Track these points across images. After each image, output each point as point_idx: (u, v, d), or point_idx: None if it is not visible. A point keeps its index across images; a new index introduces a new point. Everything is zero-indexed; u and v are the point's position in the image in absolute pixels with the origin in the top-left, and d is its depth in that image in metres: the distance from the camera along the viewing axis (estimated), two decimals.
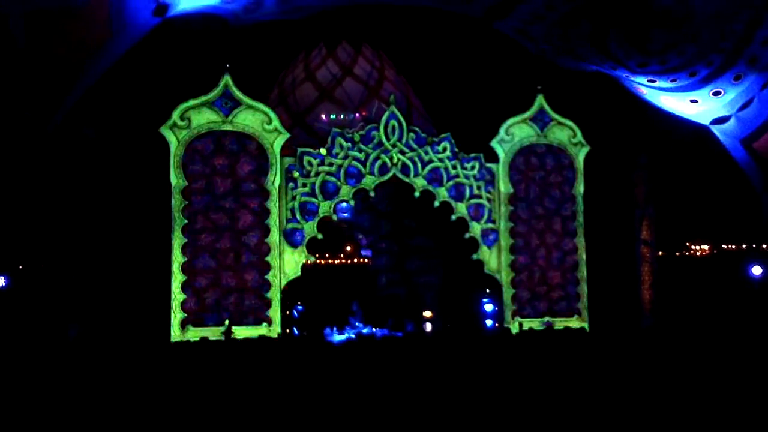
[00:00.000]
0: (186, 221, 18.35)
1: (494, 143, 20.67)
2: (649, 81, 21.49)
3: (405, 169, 19.92)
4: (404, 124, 20.03)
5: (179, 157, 18.44)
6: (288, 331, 19.91)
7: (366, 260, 24.97)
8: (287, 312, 20.21)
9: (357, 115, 22.60)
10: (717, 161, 23.11)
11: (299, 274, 19.06)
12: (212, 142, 18.69)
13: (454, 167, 20.24)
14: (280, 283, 18.83)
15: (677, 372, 13.44)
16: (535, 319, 20.27)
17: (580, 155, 21.12)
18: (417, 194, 20.00)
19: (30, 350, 15.88)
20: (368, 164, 19.72)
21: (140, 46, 19.42)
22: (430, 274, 22.83)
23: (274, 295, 18.73)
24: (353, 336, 19.55)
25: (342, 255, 25.16)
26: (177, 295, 18.17)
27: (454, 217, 20.24)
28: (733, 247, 24.88)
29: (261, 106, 19.19)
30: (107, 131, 18.97)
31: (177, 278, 18.23)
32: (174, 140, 18.45)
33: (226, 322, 18.12)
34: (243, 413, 10.88)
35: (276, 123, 19.07)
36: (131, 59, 19.47)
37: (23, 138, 18.05)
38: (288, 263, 18.98)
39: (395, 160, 19.84)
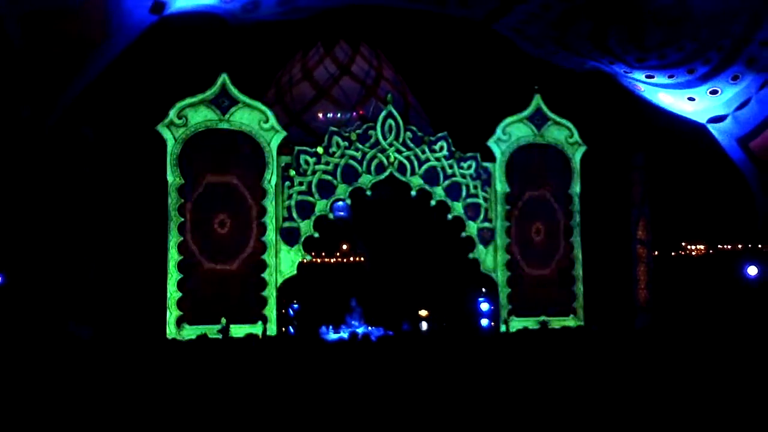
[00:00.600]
0: (182, 219, 18.39)
1: (491, 143, 20.69)
2: (647, 77, 21.54)
3: (401, 168, 19.96)
4: (401, 123, 20.06)
5: (176, 155, 18.47)
6: (284, 329, 19.96)
7: (362, 258, 25.02)
8: (283, 310, 20.25)
9: (354, 114, 22.66)
10: (713, 161, 23.17)
11: (295, 272, 19.12)
12: (209, 140, 18.71)
13: (451, 166, 20.28)
14: (276, 281, 18.88)
15: (673, 371, 13.48)
16: (530, 318, 20.32)
17: (577, 155, 21.15)
18: (413, 193, 20.05)
19: (26, 348, 15.89)
20: (365, 163, 19.76)
21: (137, 44, 19.45)
22: (423, 273, 22.85)
23: (270, 293, 18.78)
24: (348, 335, 19.58)
25: (338, 253, 25.19)
26: (173, 293, 18.22)
27: (450, 217, 20.28)
28: (729, 247, 24.89)
29: (258, 104, 19.21)
30: (104, 129, 18.96)
31: (173, 276, 18.27)
32: (171, 138, 18.48)
33: (223, 320, 18.16)
34: (236, 411, 10.91)
35: (273, 121, 19.09)
36: (128, 57, 19.50)
37: (20, 136, 18.08)
38: (284, 262, 19.03)
39: (392, 159, 19.88)
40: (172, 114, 18.53)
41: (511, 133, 20.84)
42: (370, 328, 20.75)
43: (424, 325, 21.58)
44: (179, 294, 18.23)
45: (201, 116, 18.71)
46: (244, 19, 20.44)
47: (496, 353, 16.30)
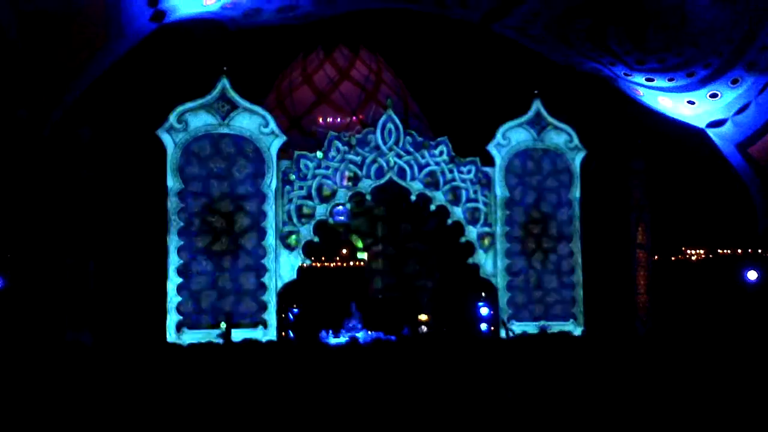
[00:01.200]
0: (182, 224, 18.40)
1: (491, 147, 20.67)
2: (647, 80, 21.54)
3: (401, 173, 19.95)
4: (401, 127, 20.06)
5: (176, 160, 18.48)
6: (284, 334, 19.95)
7: (362, 263, 25.02)
8: (283, 315, 20.25)
9: (354, 118, 22.68)
10: (713, 166, 23.18)
11: (295, 277, 19.12)
12: (209, 144, 18.73)
13: (451, 171, 20.27)
14: (276, 285, 18.88)
15: (672, 376, 13.48)
16: (530, 323, 20.30)
17: (577, 159, 21.13)
18: (413, 198, 20.05)
19: (26, 351, 15.90)
20: (365, 167, 19.77)
21: (138, 48, 19.48)
22: (426, 277, 22.86)
23: (270, 298, 18.79)
24: (348, 340, 19.58)
25: (338, 258, 25.20)
26: (173, 298, 18.23)
27: (450, 221, 20.28)
28: (729, 251, 24.91)
29: (258, 109, 19.23)
30: (104, 133, 18.97)
31: (173, 280, 18.27)
32: (171, 143, 18.48)
33: (223, 325, 18.15)
34: (237, 415, 10.91)
35: (273, 126, 19.11)
36: (128, 61, 19.53)
37: (19, 139, 18.08)
38: (284, 266, 19.03)
39: (392, 164, 19.88)
40: (172, 118, 18.54)
41: (511, 137, 20.82)
42: (369, 332, 20.73)
43: (424, 330, 21.57)
44: (179, 298, 18.23)
45: (201, 121, 18.72)
46: (244, 24, 20.49)
47: (495, 357, 16.31)
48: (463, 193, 20.34)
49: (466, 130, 21.28)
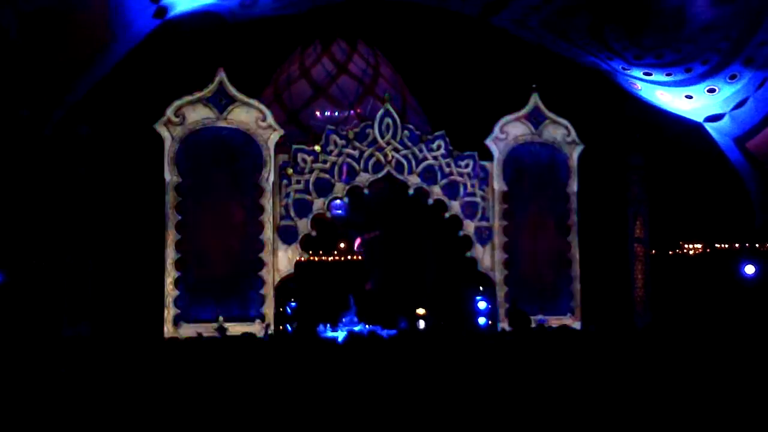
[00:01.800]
0: (180, 217, 18.39)
1: (488, 141, 20.68)
2: (645, 74, 21.54)
3: (399, 167, 19.96)
4: (399, 121, 20.06)
5: (173, 154, 18.48)
6: (281, 327, 19.97)
7: (359, 257, 25.04)
8: (281, 309, 20.27)
9: (352, 112, 22.66)
10: (711, 161, 23.18)
11: (292, 271, 19.13)
12: (207, 138, 18.72)
13: (448, 165, 20.27)
14: (273, 279, 18.88)
15: (670, 370, 13.49)
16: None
17: (575, 154, 21.13)
18: (411, 192, 20.05)
19: (25, 346, 15.89)
20: (362, 161, 19.76)
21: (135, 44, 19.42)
22: (424, 271, 22.85)
23: (268, 291, 18.79)
24: (346, 334, 19.57)
25: (336, 252, 25.22)
26: (170, 291, 18.23)
27: (447, 215, 20.28)
28: (726, 246, 24.93)
29: (255, 103, 19.23)
30: (102, 127, 18.96)
31: (170, 274, 18.29)
32: (168, 136, 18.48)
33: (220, 319, 18.17)
34: (235, 410, 10.91)
35: (270, 120, 19.10)
36: (126, 57, 19.47)
37: (20, 137, 18.07)
38: (281, 260, 19.04)
39: (389, 158, 19.88)
40: (170, 112, 18.54)
41: (509, 131, 20.82)
42: (367, 326, 20.74)
43: (422, 324, 21.57)
44: (177, 292, 18.26)
45: (198, 114, 18.71)
46: (242, 15, 20.44)
47: (493, 352, 16.30)
48: (461, 187, 20.35)
49: (464, 125, 21.27)
